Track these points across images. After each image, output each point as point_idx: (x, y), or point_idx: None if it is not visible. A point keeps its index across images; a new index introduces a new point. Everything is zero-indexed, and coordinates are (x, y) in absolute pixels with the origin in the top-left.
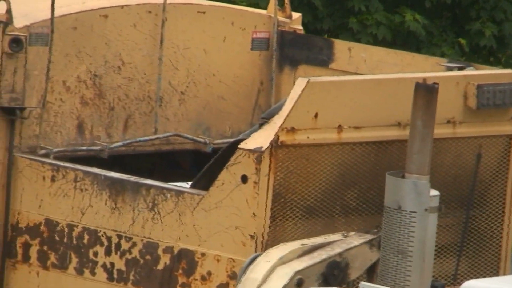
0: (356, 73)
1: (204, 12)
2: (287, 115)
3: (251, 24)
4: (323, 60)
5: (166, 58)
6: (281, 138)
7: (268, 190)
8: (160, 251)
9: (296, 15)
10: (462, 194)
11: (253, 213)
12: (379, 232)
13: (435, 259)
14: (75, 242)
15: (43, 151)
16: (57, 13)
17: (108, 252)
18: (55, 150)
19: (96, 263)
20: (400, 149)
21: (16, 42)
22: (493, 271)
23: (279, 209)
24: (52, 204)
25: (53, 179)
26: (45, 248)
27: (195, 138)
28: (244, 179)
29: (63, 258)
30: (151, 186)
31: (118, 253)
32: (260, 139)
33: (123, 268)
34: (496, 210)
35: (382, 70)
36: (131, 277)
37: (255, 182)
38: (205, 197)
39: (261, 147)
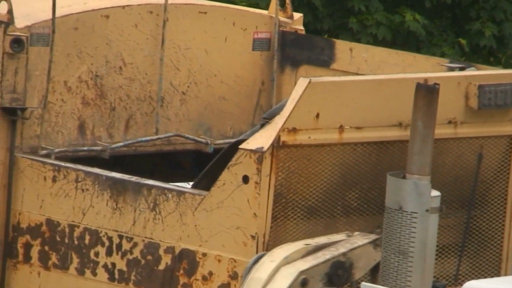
0: (357, 74)
1: (205, 13)
2: (289, 116)
3: (253, 24)
4: (325, 60)
5: (167, 58)
6: (283, 139)
7: (270, 190)
8: (161, 251)
9: (298, 16)
10: (463, 195)
11: (255, 213)
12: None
13: (436, 259)
14: (76, 242)
15: (44, 152)
16: (58, 13)
17: (109, 253)
18: (56, 150)
19: (97, 263)
20: (401, 149)
21: (17, 43)
22: (495, 271)
23: (280, 209)
24: (53, 204)
25: (54, 180)
26: (46, 248)
27: (196, 138)
28: (246, 179)
29: (64, 259)
30: (152, 186)
31: (119, 253)
32: (262, 139)
33: (124, 269)
34: (497, 210)
35: (383, 71)
36: (132, 278)
37: (256, 183)
38: (207, 198)
39: (262, 148)
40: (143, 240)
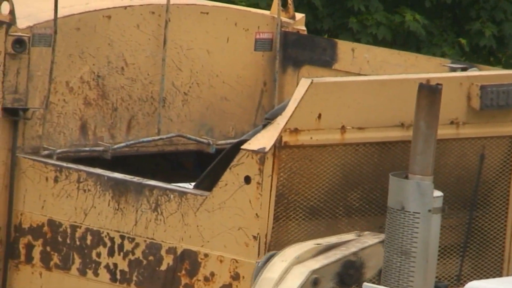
0: (359, 74)
1: (207, 13)
2: (290, 116)
3: (255, 24)
4: (326, 60)
5: (169, 58)
6: (284, 139)
7: (271, 191)
8: (163, 252)
9: (299, 16)
10: (465, 195)
11: (256, 214)
12: None
13: (438, 260)
14: (78, 242)
15: (46, 152)
16: (60, 14)
17: (111, 253)
18: (58, 151)
19: (99, 263)
20: (403, 150)
21: (19, 43)
22: (497, 271)
23: (282, 210)
24: (55, 204)
25: (56, 180)
26: (48, 248)
27: (198, 138)
28: (247, 180)
29: (66, 259)
30: (154, 187)
31: (121, 253)
32: (263, 140)
33: (126, 269)
34: (500, 211)
35: (385, 71)
36: (134, 278)
37: (258, 183)
38: (208, 198)
39: (264, 148)
40: (145, 241)
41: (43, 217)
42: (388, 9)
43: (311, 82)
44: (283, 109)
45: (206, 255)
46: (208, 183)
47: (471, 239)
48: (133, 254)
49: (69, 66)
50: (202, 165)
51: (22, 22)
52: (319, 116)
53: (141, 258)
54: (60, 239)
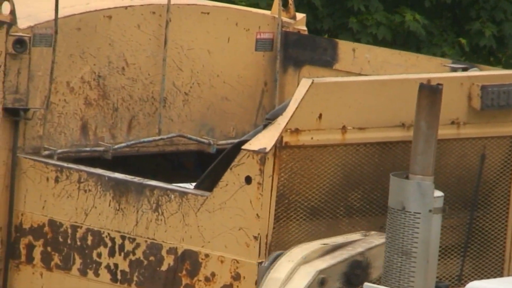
0: (360, 74)
1: (208, 13)
2: (291, 116)
3: (255, 24)
4: (327, 60)
5: (170, 58)
6: (285, 139)
7: (272, 191)
8: (163, 252)
9: (300, 16)
10: (466, 195)
11: (257, 214)
12: None
13: (439, 260)
14: (78, 243)
15: (46, 152)
16: (61, 14)
17: (111, 253)
18: (59, 151)
19: (99, 264)
20: (404, 150)
21: (20, 43)
22: (498, 272)
23: (283, 210)
24: (56, 205)
25: (56, 180)
26: (49, 249)
27: (199, 139)
28: (248, 180)
29: (66, 259)
30: (155, 187)
31: (122, 254)
32: (264, 140)
33: (127, 269)
34: (501, 211)
35: (386, 71)
36: (135, 278)
37: (259, 183)
38: (209, 198)
39: (265, 148)
40: (146, 241)
41: (44, 217)
42: (388, 9)
43: (312, 82)
44: (284, 109)
45: (206, 256)
46: (208, 183)
47: (472, 239)
48: (134, 254)
49: (70, 66)
50: (203, 165)
51: (23, 22)
52: (320, 116)
53: (141, 258)
54: (60, 239)
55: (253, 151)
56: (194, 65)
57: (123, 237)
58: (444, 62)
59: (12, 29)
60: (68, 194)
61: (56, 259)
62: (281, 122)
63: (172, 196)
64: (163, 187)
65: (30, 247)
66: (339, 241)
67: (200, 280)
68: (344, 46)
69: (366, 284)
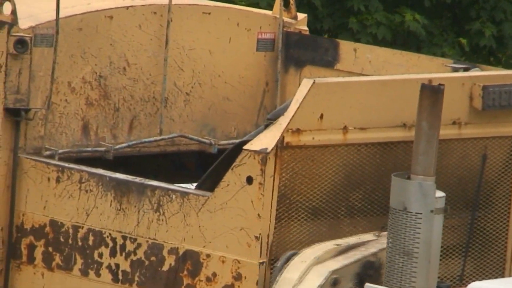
0: (361, 74)
1: (209, 13)
2: (293, 116)
3: (257, 25)
4: (329, 61)
5: (171, 59)
6: (287, 139)
7: (273, 191)
8: (165, 252)
9: (302, 16)
10: (467, 195)
11: (258, 214)
12: None
13: (440, 260)
14: (80, 243)
15: (48, 152)
16: (62, 14)
17: (113, 253)
18: (60, 151)
19: (101, 264)
20: (405, 150)
21: (21, 43)
22: (499, 272)
23: (284, 210)
24: (57, 205)
25: (58, 180)
26: (50, 249)
27: (200, 139)
28: (249, 180)
29: (68, 259)
30: (156, 187)
31: (123, 254)
32: (266, 140)
33: (128, 269)
34: (502, 211)
35: (387, 71)
36: (136, 278)
37: (260, 183)
38: (210, 198)
39: (266, 148)
40: (147, 241)
41: (45, 218)
42: (388, 9)
43: (313, 82)
44: (285, 109)
45: (208, 256)
46: (210, 183)
47: (474, 240)
48: (135, 254)
49: (71, 66)
50: (204, 166)
51: (24, 23)
52: (321, 116)
53: (143, 258)
54: (62, 239)
55: (255, 151)
56: (196, 65)
57: (124, 237)
58: (445, 62)
59: (13, 29)
60: (69, 194)
61: (57, 259)
62: (283, 122)
63: (174, 196)
64: (164, 187)
65: (31, 247)
66: (352, 241)
67: (201, 280)
68: (346, 46)
69: (367, 284)
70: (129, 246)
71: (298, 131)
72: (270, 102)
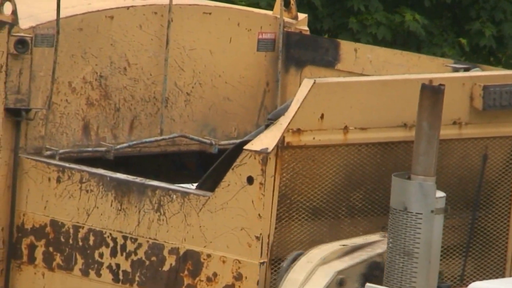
0: (362, 74)
1: (210, 13)
2: (293, 116)
3: (257, 25)
4: (329, 61)
5: (172, 59)
6: (287, 139)
7: (274, 191)
8: (165, 252)
9: (302, 16)
10: (468, 196)
11: (259, 214)
12: None
13: (441, 260)
14: (80, 243)
15: (48, 152)
16: (63, 14)
17: (113, 253)
18: (61, 151)
19: (101, 264)
20: (406, 150)
21: (22, 43)
22: (500, 272)
23: (285, 210)
24: (58, 205)
25: (58, 180)
26: (51, 249)
27: (200, 139)
28: (250, 180)
29: (68, 259)
30: (156, 187)
31: (124, 254)
32: (266, 140)
33: (129, 269)
34: (503, 211)
35: (388, 71)
36: (137, 278)
37: (261, 183)
38: (211, 198)
39: (267, 148)
40: (148, 241)
41: (46, 218)
42: (388, 9)
43: (314, 82)
44: (285, 109)
45: (208, 256)
46: (210, 183)
47: (474, 240)
48: (136, 254)
49: (71, 66)
50: (205, 166)
51: (25, 23)
52: (322, 116)
53: (143, 258)
54: (62, 239)
55: (255, 151)
56: (196, 65)
57: (125, 237)
58: (446, 62)
59: (14, 29)
60: (70, 194)
61: (58, 259)
62: (283, 122)
63: (174, 196)
64: (165, 187)
65: (32, 247)
66: (358, 242)
67: (202, 280)
68: (346, 46)
69: (368, 284)
70: (130, 246)
71: (298, 131)
72: (270, 102)
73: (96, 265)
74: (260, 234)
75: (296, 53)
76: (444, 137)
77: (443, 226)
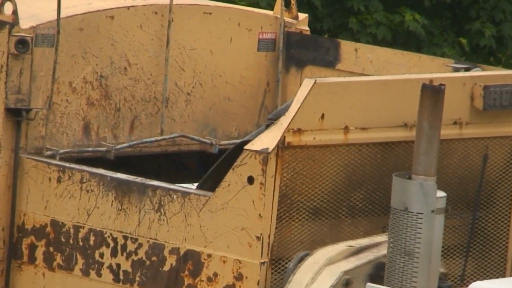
0: (362, 74)
1: (210, 13)
2: (294, 116)
3: (258, 25)
4: (330, 61)
5: (172, 59)
6: (288, 139)
7: (275, 191)
8: (166, 252)
9: (303, 16)
10: (468, 195)
11: (260, 214)
12: None
13: (442, 260)
14: (81, 243)
15: (49, 152)
16: (63, 14)
17: (114, 253)
18: (61, 151)
19: (102, 264)
20: (406, 150)
21: (22, 43)
22: (500, 272)
23: (285, 210)
24: (58, 205)
25: (59, 180)
26: (51, 249)
27: (201, 139)
28: (251, 180)
29: (69, 259)
30: (157, 187)
31: (124, 254)
32: (267, 140)
33: (129, 270)
34: (503, 211)
35: (388, 71)
36: (137, 279)
37: (261, 183)
38: (211, 198)
39: (267, 148)
40: (148, 241)
41: (46, 218)
42: (388, 9)
43: (314, 82)
44: (286, 109)
45: (209, 256)
46: (211, 183)
47: (474, 240)
48: (136, 254)
49: (72, 66)
50: (205, 166)
51: (25, 23)
52: (322, 116)
53: (144, 258)
54: (63, 239)
55: (256, 151)
56: (197, 65)
57: (125, 237)
58: (446, 62)
59: (14, 29)
60: (71, 194)
61: (59, 259)
62: (284, 122)
63: (175, 196)
64: (165, 187)
65: (32, 247)
66: (364, 243)
67: (203, 280)
68: (347, 46)
69: (368, 284)
70: (130, 246)
71: (299, 131)
72: (271, 102)
73: (96, 265)
74: (261, 234)
75: (297, 53)
76: (444, 137)
77: (443, 226)
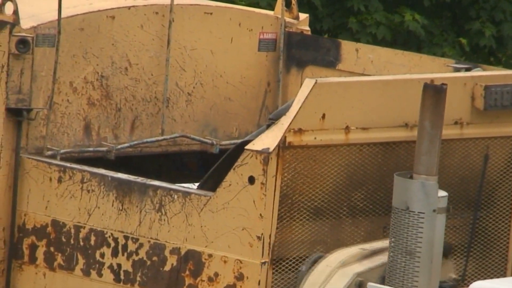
0: (363, 74)
1: (211, 13)
2: (294, 116)
3: (258, 25)
4: (330, 61)
5: (173, 59)
6: (288, 139)
7: (275, 191)
8: (167, 252)
9: (303, 16)
10: (469, 195)
11: (260, 214)
12: None
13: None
14: (82, 243)
15: (50, 152)
16: (64, 14)
17: (115, 253)
18: (62, 151)
19: (103, 264)
20: (407, 150)
21: (23, 43)
22: (501, 272)
23: (286, 210)
24: (59, 205)
25: (60, 180)
26: (52, 249)
27: (202, 139)
28: (251, 180)
29: (69, 259)
30: (158, 187)
31: (125, 254)
32: (267, 140)
33: (130, 269)
34: (504, 211)
35: (389, 71)
36: (138, 278)
37: (262, 183)
38: (212, 198)
39: (268, 148)
40: (149, 241)
41: (47, 218)
42: (388, 9)
43: (315, 82)
44: (287, 109)
45: (210, 256)
46: (212, 183)
47: (475, 239)
48: (137, 254)
49: (72, 66)
50: (206, 166)
51: (26, 22)
52: (323, 116)
53: (145, 258)
54: (63, 239)
55: (256, 151)
56: (197, 66)
57: (126, 237)
58: (447, 62)
59: (15, 29)
60: (71, 194)
61: (59, 259)
62: (284, 122)
63: (175, 196)
64: (166, 187)
65: (33, 247)
66: (377, 246)
67: (203, 280)
68: (347, 46)
69: (369, 284)
70: (131, 246)
71: (300, 131)
72: (272, 102)
73: (97, 265)
74: (262, 234)
75: (297, 53)
76: (445, 137)
77: (445, 226)
